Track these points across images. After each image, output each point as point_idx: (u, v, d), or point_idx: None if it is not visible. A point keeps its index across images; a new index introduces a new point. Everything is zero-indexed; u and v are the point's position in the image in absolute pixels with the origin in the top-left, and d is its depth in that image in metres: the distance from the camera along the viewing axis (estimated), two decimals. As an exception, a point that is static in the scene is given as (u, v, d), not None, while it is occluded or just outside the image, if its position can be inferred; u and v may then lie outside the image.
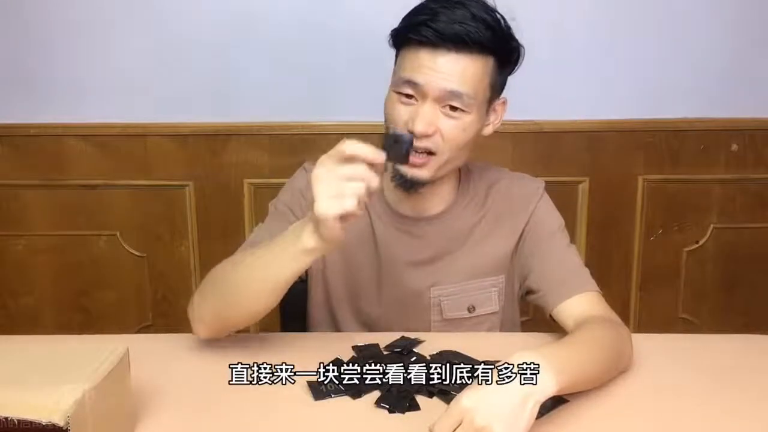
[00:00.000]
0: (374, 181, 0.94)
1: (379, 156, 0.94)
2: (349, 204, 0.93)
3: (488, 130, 1.22)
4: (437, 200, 1.26)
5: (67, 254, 2.11)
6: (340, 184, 0.93)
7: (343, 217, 0.94)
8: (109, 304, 2.14)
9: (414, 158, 1.12)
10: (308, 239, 0.99)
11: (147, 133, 2.03)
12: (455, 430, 0.84)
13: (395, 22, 1.18)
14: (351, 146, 0.93)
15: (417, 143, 1.12)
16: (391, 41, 1.19)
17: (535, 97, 1.99)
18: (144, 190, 2.07)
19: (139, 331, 2.12)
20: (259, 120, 2.02)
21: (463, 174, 1.30)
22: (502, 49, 1.15)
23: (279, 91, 2.00)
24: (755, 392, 1.05)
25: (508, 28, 1.16)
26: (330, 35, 1.95)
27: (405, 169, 1.16)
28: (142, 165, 2.05)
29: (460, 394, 0.87)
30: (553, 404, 0.99)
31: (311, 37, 1.96)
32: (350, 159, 0.94)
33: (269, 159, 2.04)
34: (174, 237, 2.10)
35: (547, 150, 2.05)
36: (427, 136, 1.12)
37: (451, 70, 1.11)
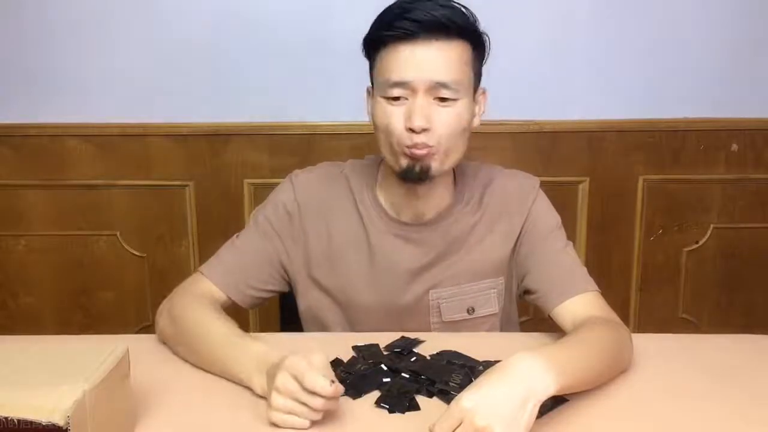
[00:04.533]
0: (333, 407, 0.94)
1: (335, 390, 0.92)
2: (300, 426, 0.93)
3: (476, 122, 1.21)
4: (433, 203, 1.26)
5: (67, 254, 2.11)
6: (296, 406, 0.93)
7: None
8: (109, 304, 2.14)
9: (416, 150, 1.13)
10: (256, 387, 1.01)
11: (147, 133, 2.03)
12: (455, 430, 0.84)
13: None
14: (311, 381, 0.91)
15: (416, 138, 1.12)
16: (364, 51, 1.19)
17: (535, 97, 2.00)
18: (144, 190, 2.07)
19: (139, 331, 2.12)
20: (259, 120, 2.02)
21: (458, 176, 1.29)
22: (475, 34, 1.16)
23: (279, 91, 2.00)
24: (755, 392, 1.05)
25: (472, 15, 1.17)
26: (330, 35, 1.95)
27: (408, 162, 1.15)
28: (142, 165, 2.05)
29: (460, 394, 0.87)
30: (553, 404, 0.99)
31: (311, 37, 1.96)
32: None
33: (269, 159, 2.04)
34: (174, 237, 2.10)
35: (547, 150, 2.05)
36: (425, 129, 1.12)
37: (435, 59, 1.11)
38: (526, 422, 0.87)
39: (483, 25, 1.18)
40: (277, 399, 0.93)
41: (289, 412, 0.93)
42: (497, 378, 0.88)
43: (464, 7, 1.15)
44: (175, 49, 1.98)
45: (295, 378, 0.92)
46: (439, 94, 1.12)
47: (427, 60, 1.11)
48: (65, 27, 1.97)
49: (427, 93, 1.12)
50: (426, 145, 1.13)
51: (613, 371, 1.07)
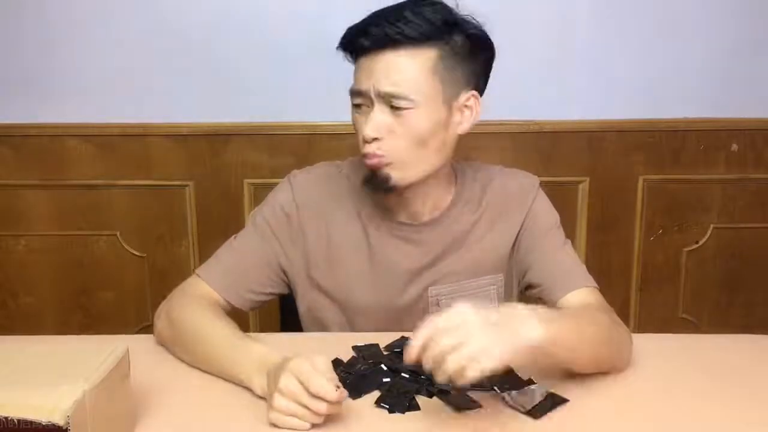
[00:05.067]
0: (335, 411, 0.94)
1: (340, 396, 0.92)
2: (300, 428, 0.93)
3: (464, 128, 1.19)
4: (432, 204, 1.26)
5: (67, 254, 2.11)
6: (298, 408, 0.93)
7: None
8: (109, 304, 2.14)
9: (367, 160, 1.16)
10: (256, 388, 1.01)
11: (147, 133, 2.03)
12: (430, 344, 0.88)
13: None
14: (317, 385, 0.91)
15: (368, 148, 1.15)
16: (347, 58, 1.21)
17: (535, 97, 2.00)
18: (144, 190, 2.07)
19: (139, 331, 2.11)
20: (259, 120, 2.02)
21: (458, 176, 1.29)
22: (442, 41, 1.13)
23: (279, 91, 2.00)
24: (755, 392, 1.05)
25: (453, 16, 1.14)
26: (330, 35, 1.95)
27: (368, 172, 1.18)
28: (142, 165, 2.05)
29: (450, 308, 0.91)
30: (553, 404, 0.99)
31: (311, 37, 1.96)
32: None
33: (269, 159, 2.03)
34: (174, 237, 2.10)
35: (547, 150, 2.05)
36: (376, 139, 1.13)
37: (387, 70, 1.12)
38: (510, 346, 0.90)
39: (484, 25, 1.18)
40: (279, 400, 0.93)
41: (291, 415, 0.93)
42: (491, 312, 0.92)
43: (440, 6, 1.14)
44: (175, 49, 1.97)
45: (300, 381, 0.92)
46: (392, 103, 1.13)
47: (379, 70, 1.12)
48: (65, 27, 1.97)
49: (381, 103, 1.13)
50: (375, 155, 1.14)
51: (606, 353, 1.07)
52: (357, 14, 1.16)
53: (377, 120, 1.13)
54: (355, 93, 1.16)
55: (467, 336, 0.88)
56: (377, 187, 1.18)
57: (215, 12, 1.96)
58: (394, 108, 1.13)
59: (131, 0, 1.95)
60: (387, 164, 1.15)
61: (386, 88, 1.12)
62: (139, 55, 1.98)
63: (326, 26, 1.94)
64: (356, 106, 1.17)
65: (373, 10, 1.16)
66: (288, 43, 1.97)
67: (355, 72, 1.17)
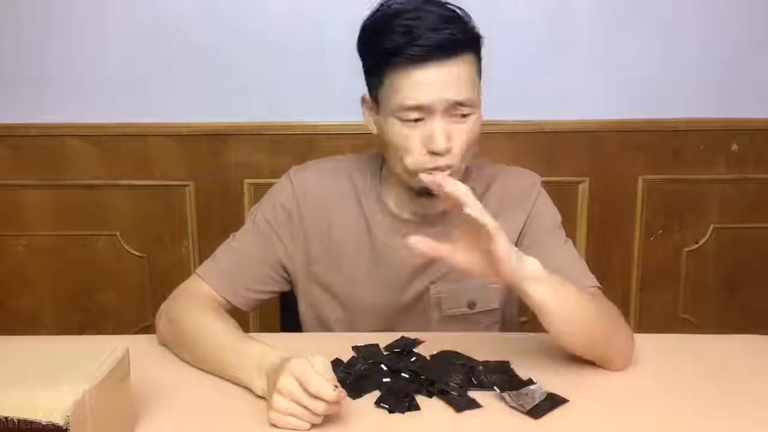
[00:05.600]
0: (334, 411, 0.94)
1: (338, 396, 0.92)
2: (299, 428, 0.93)
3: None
4: (437, 201, 1.25)
5: (67, 254, 2.11)
6: (297, 408, 0.93)
7: None
8: (109, 304, 2.15)
9: (438, 172, 1.12)
10: (256, 388, 1.01)
11: (147, 133, 2.03)
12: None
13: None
14: (316, 385, 0.91)
15: (440, 161, 1.11)
16: (363, 61, 1.16)
17: (535, 97, 2.00)
18: (144, 190, 2.07)
19: (139, 331, 2.11)
20: (259, 120, 2.02)
21: (462, 175, 1.29)
22: (475, 40, 1.14)
23: (279, 91, 2.00)
24: (755, 392, 1.05)
25: (467, 15, 1.14)
26: (330, 35, 1.95)
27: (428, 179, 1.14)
28: (142, 165, 2.05)
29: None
30: (553, 404, 0.99)
31: (311, 37, 1.96)
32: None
33: (269, 159, 2.04)
34: (174, 237, 2.10)
35: (547, 150, 2.05)
36: (449, 150, 1.11)
37: (449, 79, 1.10)
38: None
39: (483, 26, 1.17)
40: (278, 400, 0.93)
41: (290, 415, 0.93)
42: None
43: (459, 9, 1.14)
44: (175, 49, 1.98)
45: (299, 381, 0.92)
46: (457, 111, 1.11)
47: (441, 82, 1.09)
48: (66, 27, 1.97)
49: (444, 113, 1.11)
50: (448, 166, 1.13)
51: (600, 335, 1.07)
52: (357, 14, 1.15)
53: (447, 130, 1.11)
54: (412, 108, 1.10)
55: None
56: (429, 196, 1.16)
57: (215, 12, 1.96)
58: (460, 115, 1.12)
59: (131, 0, 1.95)
60: (454, 173, 1.14)
61: (458, 97, 1.10)
62: (140, 55, 1.98)
63: (326, 26, 1.96)
64: (408, 120, 1.11)
65: (393, 15, 1.10)
66: (288, 43, 1.97)
67: (403, 87, 1.10)
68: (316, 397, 0.92)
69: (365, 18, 1.15)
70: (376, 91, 1.16)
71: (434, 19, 1.09)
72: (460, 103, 1.11)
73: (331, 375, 0.94)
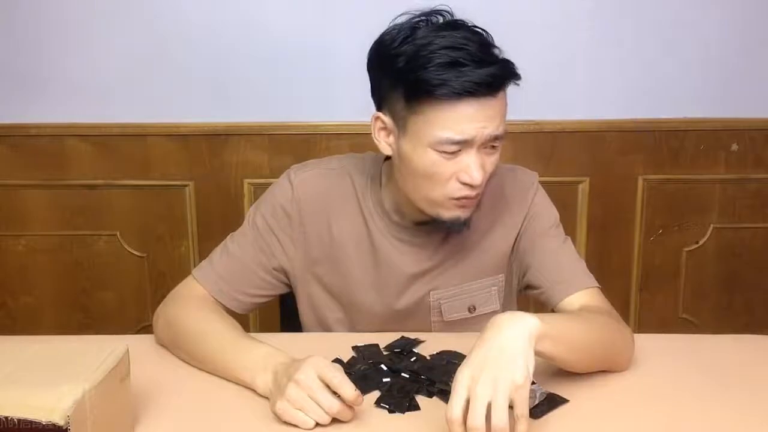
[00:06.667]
0: (345, 417, 0.94)
1: (357, 398, 0.92)
2: (305, 423, 0.93)
3: None
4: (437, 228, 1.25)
5: (67, 254, 2.11)
6: (309, 403, 0.93)
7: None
8: (109, 304, 2.15)
9: (469, 201, 1.12)
10: (259, 387, 1.01)
11: (147, 133, 2.03)
12: (470, 407, 0.85)
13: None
14: (339, 382, 0.92)
15: (473, 191, 1.11)
16: (387, 82, 1.11)
17: (535, 97, 1.99)
18: (144, 190, 2.07)
19: (139, 331, 2.11)
20: (259, 120, 2.02)
21: None
22: (513, 74, 1.11)
23: (279, 91, 2.00)
24: (755, 392, 1.05)
25: (493, 42, 1.12)
26: (330, 35, 1.95)
27: (457, 213, 1.14)
28: (142, 165, 2.05)
29: (456, 374, 0.87)
30: (553, 404, 0.99)
31: (311, 37, 1.96)
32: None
33: (269, 159, 2.04)
34: (174, 237, 2.10)
35: (547, 150, 2.05)
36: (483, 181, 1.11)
37: (492, 114, 1.07)
38: (524, 355, 0.87)
39: (483, 26, 1.16)
40: (293, 391, 0.93)
41: (300, 408, 0.93)
42: (482, 339, 0.90)
43: (484, 32, 1.11)
44: (175, 49, 1.98)
45: (319, 375, 0.93)
46: (493, 143, 1.11)
47: (485, 117, 1.07)
48: (65, 26, 1.97)
49: (480, 146, 1.09)
50: (477, 195, 1.13)
51: (601, 355, 1.06)
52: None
53: (482, 163, 1.10)
54: (454, 142, 1.07)
55: (487, 382, 0.85)
56: (461, 227, 1.16)
57: (215, 12, 1.96)
58: (491, 147, 1.11)
59: (131, 0, 1.95)
60: (480, 201, 1.15)
61: (497, 131, 1.08)
62: (139, 54, 1.98)
63: (326, 26, 1.96)
64: (445, 152, 1.08)
65: (432, 45, 1.05)
66: (288, 43, 1.97)
67: (448, 119, 1.05)
68: (333, 395, 0.92)
69: (388, 38, 1.10)
70: (402, 116, 1.10)
71: (476, 51, 1.05)
72: (498, 137, 1.10)
73: (350, 383, 0.94)
